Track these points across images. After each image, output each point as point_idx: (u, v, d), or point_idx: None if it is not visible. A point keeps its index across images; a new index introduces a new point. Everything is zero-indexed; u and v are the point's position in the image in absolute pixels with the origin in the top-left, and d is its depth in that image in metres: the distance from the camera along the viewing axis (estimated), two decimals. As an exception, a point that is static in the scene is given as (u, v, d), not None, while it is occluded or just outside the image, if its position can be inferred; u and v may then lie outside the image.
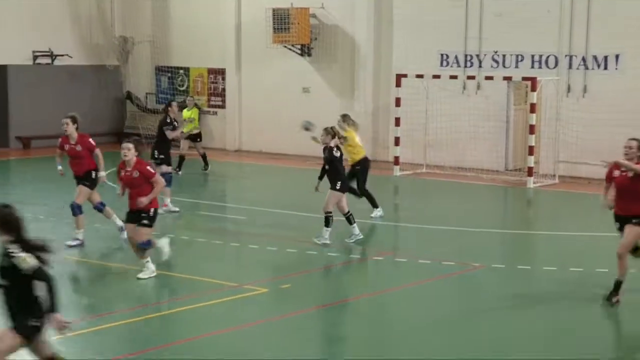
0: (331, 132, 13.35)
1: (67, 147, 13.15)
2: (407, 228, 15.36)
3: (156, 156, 15.89)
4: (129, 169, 10.94)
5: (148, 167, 11.02)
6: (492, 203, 18.87)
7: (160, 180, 11.14)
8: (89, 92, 26.95)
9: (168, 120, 16.22)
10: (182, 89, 27.23)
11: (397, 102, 21.91)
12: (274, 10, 24.00)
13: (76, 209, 12.96)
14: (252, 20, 25.22)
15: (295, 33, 23.85)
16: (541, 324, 9.66)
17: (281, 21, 23.88)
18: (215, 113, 26.73)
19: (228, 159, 24.75)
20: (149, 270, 11.10)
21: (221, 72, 26.47)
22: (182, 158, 20.94)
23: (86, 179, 13.11)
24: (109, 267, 12.31)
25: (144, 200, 10.77)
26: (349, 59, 24.06)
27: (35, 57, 25.98)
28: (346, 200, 13.54)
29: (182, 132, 18.12)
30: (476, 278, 11.84)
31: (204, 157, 21.35)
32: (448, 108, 21.90)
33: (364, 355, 8.72)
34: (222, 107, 26.59)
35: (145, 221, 10.92)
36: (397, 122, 21.94)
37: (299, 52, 24.55)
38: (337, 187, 13.21)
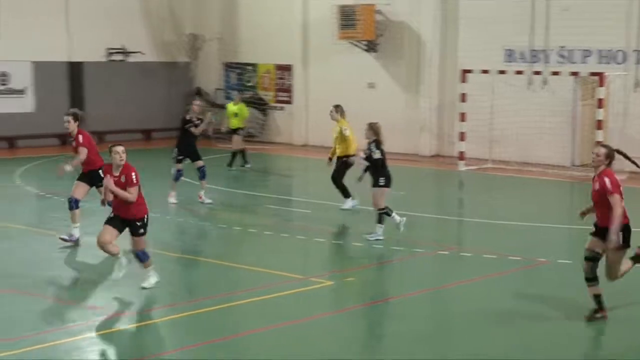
0: (374, 128, 13.23)
1: (73, 144, 12.80)
2: (472, 223, 15.19)
3: (175, 155, 16.11)
4: (116, 174, 10.15)
5: (133, 175, 10.14)
6: (559, 199, 18.54)
7: (135, 193, 10.14)
8: (161, 87, 27.32)
9: (188, 118, 16.26)
10: (249, 84, 27.41)
11: (463, 97, 21.68)
12: (340, 7, 23.99)
13: (73, 204, 12.71)
14: (318, 17, 25.24)
15: (361, 29, 23.81)
16: (603, 324, 9.44)
17: (347, 18, 23.87)
18: (282, 109, 26.83)
19: (294, 153, 24.81)
20: (153, 278, 10.36)
21: (288, 68, 26.56)
22: (242, 152, 20.84)
23: (98, 179, 12.49)
24: (174, 257, 12.42)
25: (112, 186, 9.99)
26: (414, 54, 23.90)
27: (109, 54, 26.44)
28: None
29: (210, 122, 17.40)
30: (542, 273, 11.63)
31: (234, 154, 20.84)
32: (513, 103, 21.59)
33: (424, 350, 8.63)
34: (289, 102, 26.68)
35: (141, 230, 10.23)
36: (463, 117, 21.72)
37: (365, 48, 24.49)
38: (381, 183, 13.09)
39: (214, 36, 27.74)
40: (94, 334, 8.77)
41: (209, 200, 16.09)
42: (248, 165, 20.89)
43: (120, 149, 10.15)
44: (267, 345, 8.68)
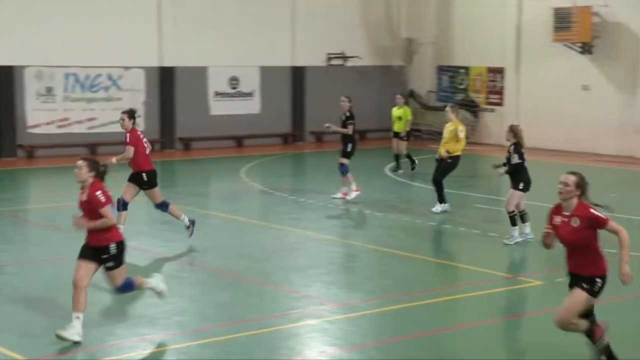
0: (514, 131, 12.63)
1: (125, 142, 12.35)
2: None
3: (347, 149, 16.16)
4: (83, 191, 8.22)
5: (98, 194, 8.05)
6: None
7: (109, 215, 8.07)
8: (376, 90, 27.66)
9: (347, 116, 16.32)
10: (461, 87, 27.19)
11: (683, 99, 20.36)
12: (555, 9, 23.27)
13: (120, 206, 12.09)
14: (532, 20, 24.61)
15: (577, 31, 22.96)
16: None
17: (562, 20, 23.10)
18: (492, 110, 26.40)
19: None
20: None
21: (500, 71, 26.08)
22: (397, 157, 20.11)
23: (136, 180, 12.33)
24: (387, 252, 12.52)
25: (81, 222, 8.09)
26: (632, 55, 22.73)
27: (329, 59, 27.13)
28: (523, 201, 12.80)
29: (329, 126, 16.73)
30: None
31: (408, 156, 20.06)
32: None
33: (633, 353, 8.18)
34: (500, 104, 26.20)
35: (110, 264, 8.16)
36: (682, 119, 20.40)
37: (580, 50, 23.57)
38: (520, 187, 12.54)
39: (429, 40, 27.75)
40: (310, 322, 9.02)
41: (350, 197, 16.02)
42: (399, 170, 20.06)
43: (78, 163, 8.19)
44: (476, 340, 8.58)
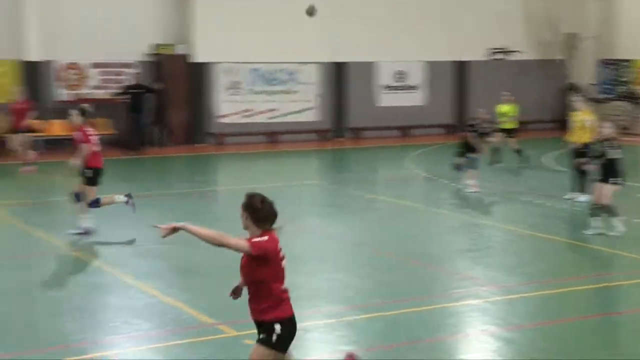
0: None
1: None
2: None
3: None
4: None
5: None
6: None
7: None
8: (536, 83, 26.94)
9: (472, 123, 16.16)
10: (623, 80, 25.99)
11: None
12: None
13: (83, 200, 11.73)
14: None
15: None
16: None
17: None
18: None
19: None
20: None
21: (664, 64, 24.73)
22: (496, 150, 18.87)
23: (84, 174, 11.66)
24: (544, 238, 12.24)
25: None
26: None
27: (491, 54, 26.64)
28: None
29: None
30: None
31: (518, 151, 19.00)
32: None
33: None
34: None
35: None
36: None
37: None
38: (611, 182, 11.76)
39: (590, 34, 26.68)
40: (471, 302, 9.01)
41: (471, 190, 15.56)
42: (501, 164, 18.90)
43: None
44: (628, 329, 8.28)
